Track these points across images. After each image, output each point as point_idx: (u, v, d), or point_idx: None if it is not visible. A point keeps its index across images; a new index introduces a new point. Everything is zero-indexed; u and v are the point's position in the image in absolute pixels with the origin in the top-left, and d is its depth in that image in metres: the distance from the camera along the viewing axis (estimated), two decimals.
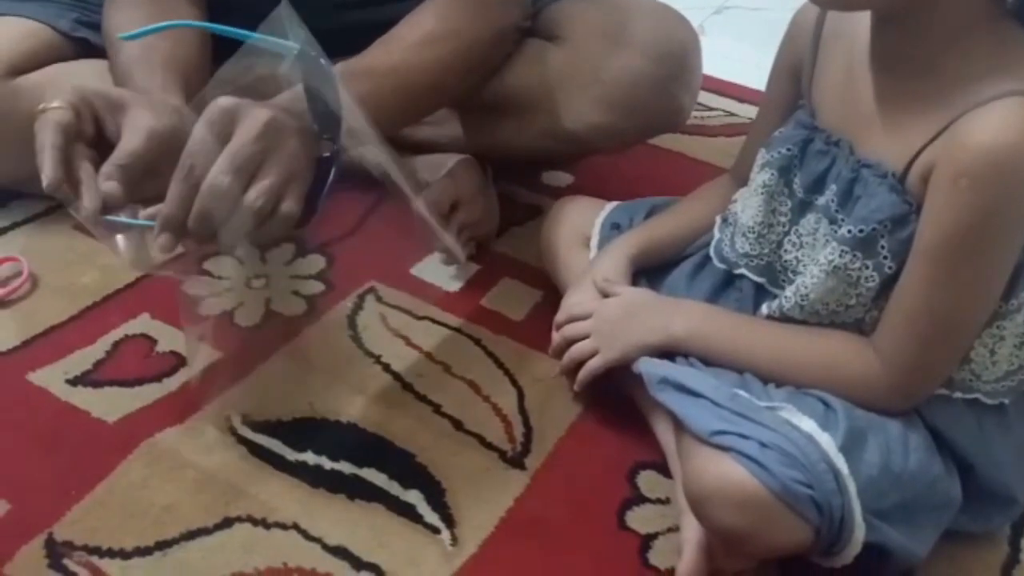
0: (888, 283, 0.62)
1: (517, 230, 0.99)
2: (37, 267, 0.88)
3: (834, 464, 0.58)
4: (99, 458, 0.70)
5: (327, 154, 0.64)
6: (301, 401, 0.76)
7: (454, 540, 0.66)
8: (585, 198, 0.90)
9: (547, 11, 0.95)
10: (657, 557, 0.67)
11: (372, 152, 0.69)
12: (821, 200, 0.66)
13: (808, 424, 0.60)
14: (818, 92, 0.68)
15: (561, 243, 0.86)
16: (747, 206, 0.71)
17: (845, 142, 0.64)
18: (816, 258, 0.65)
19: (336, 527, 0.66)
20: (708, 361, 0.69)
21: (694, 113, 0.97)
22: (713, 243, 0.75)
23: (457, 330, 0.85)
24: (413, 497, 0.69)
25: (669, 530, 0.68)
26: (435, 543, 0.66)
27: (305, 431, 0.74)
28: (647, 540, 0.68)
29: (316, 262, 0.92)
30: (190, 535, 0.65)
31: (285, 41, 0.62)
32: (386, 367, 0.80)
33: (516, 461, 0.73)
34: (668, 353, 0.71)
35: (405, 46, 0.78)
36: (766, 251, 0.70)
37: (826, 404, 0.62)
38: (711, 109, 1.25)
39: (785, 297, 0.67)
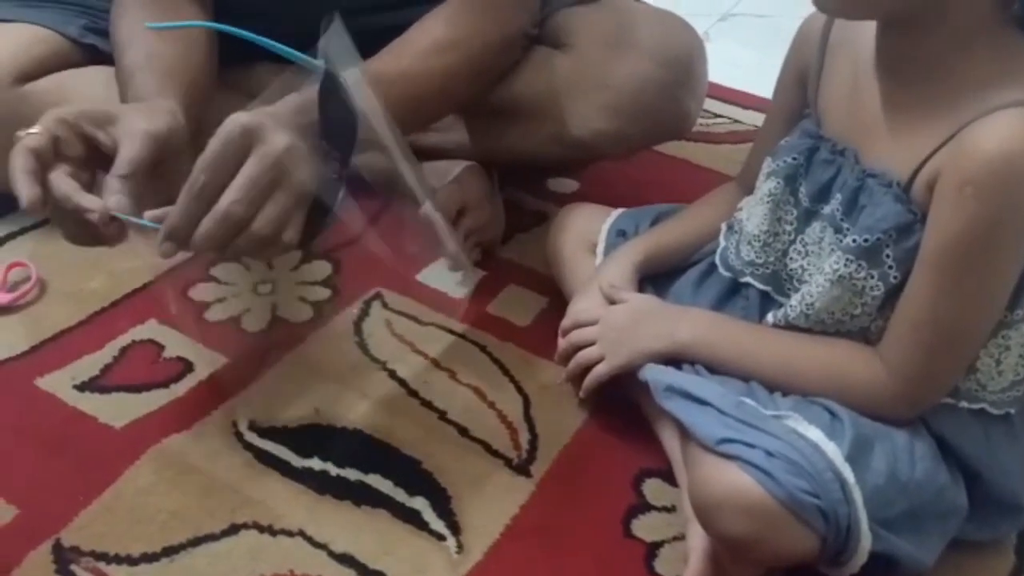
0: (893, 292, 0.62)
1: (523, 236, 0.99)
2: (45, 272, 0.88)
3: (840, 473, 0.58)
4: (106, 464, 0.70)
5: (335, 176, 0.64)
6: (307, 407, 0.76)
7: (460, 547, 0.66)
8: (591, 205, 0.90)
9: (554, 18, 0.95)
10: (663, 565, 0.67)
11: (381, 157, 0.69)
12: (826, 209, 0.66)
13: (814, 433, 0.60)
14: (824, 101, 0.68)
15: (567, 250, 0.87)
16: (753, 214, 0.71)
17: (851, 151, 0.64)
18: (821, 267, 0.65)
19: (342, 534, 0.67)
20: (714, 369, 0.69)
21: (699, 120, 0.98)
22: (719, 251, 0.75)
23: (463, 336, 0.85)
24: (419, 504, 0.69)
25: (675, 538, 0.68)
26: (441, 550, 0.66)
27: (311, 437, 0.74)
28: (653, 548, 0.68)
29: (322, 268, 0.92)
30: (197, 541, 0.65)
31: (309, 57, 0.63)
32: (392, 373, 0.81)
33: (522, 468, 0.73)
34: (674, 360, 0.71)
35: (414, 52, 0.79)
36: (771, 259, 0.70)
37: (832, 413, 0.62)
38: (716, 116, 1.25)
39: (791, 306, 0.67)
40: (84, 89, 0.89)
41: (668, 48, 0.89)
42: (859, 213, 0.63)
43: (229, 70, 0.93)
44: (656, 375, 0.69)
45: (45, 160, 0.62)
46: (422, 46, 0.79)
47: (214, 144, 0.61)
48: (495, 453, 0.74)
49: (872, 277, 0.62)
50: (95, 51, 0.94)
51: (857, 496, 0.58)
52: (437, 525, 0.68)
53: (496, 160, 0.98)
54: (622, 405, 0.76)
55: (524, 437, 0.76)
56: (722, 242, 0.76)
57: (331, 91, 0.64)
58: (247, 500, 0.68)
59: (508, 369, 0.82)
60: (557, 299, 0.87)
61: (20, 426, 0.74)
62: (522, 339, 0.85)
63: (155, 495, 0.68)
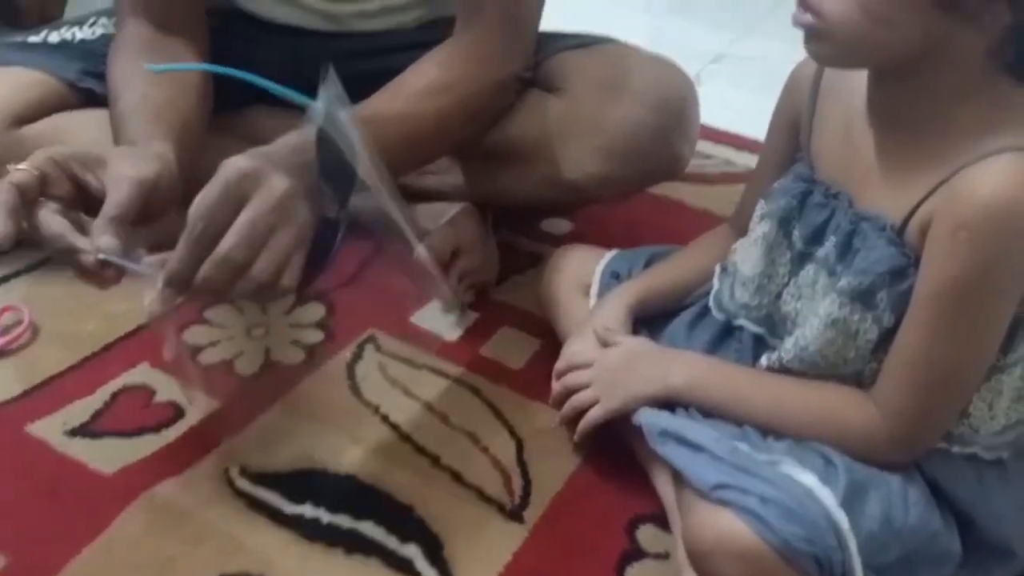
0: (887, 336, 0.62)
1: (517, 278, 0.99)
2: (38, 315, 0.88)
3: (834, 519, 0.58)
4: (98, 511, 0.69)
5: (332, 215, 0.65)
6: (300, 452, 0.76)
7: None
8: (585, 246, 0.90)
9: (548, 62, 0.96)
10: None
11: (372, 199, 0.70)
12: (820, 252, 0.66)
13: (808, 478, 0.60)
14: (817, 145, 0.69)
15: (561, 292, 0.87)
16: (747, 257, 0.71)
17: (844, 195, 0.65)
18: (815, 310, 0.65)
19: None
20: (708, 412, 0.69)
21: (693, 161, 0.98)
22: (713, 293, 0.75)
23: (456, 380, 0.85)
24: (411, 551, 0.68)
25: None
26: None
27: (303, 482, 0.73)
28: None
29: (316, 310, 0.92)
30: None
31: (308, 99, 0.63)
32: (385, 418, 0.80)
33: (515, 514, 0.72)
34: (668, 404, 0.70)
35: (409, 94, 0.80)
36: (765, 302, 0.70)
37: (826, 458, 0.62)
38: (709, 157, 1.26)
39: (785, 349, 0.67)
40: (80, 132, 0.90)
41: (661, 93, 0.90)
42: (853, 256, 0.63)
43: (223, 114, 0.94)
44: (650, 419, 0.69)
45: (30, 196, 0.63)
46: (416, 88, 0.80)
47: (212, 188, 0.61)
48: (488, 499, 0.73)
49: (866, 320, 0.62)
50: (91, 95, 0.95)
51: (851, 543, 0.58)
52: (429, 573, 0.67)
53: (491, 202, 0.98)
54: (616, 449, 0.76)
55: (517, 483, 0.75)
56: (716, 284, 0.76)
57: (328, 133, 0.65)
58: (239, 548, 0.67)
59: (502, 413, 0.82)
60: (551, 341, 0.86)
61: (11, 473, 0.73)
62: (516, 382, 0.85)
63: (146, 543, 0.67)
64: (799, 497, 0.58)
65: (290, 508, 0.71)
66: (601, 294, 0.83)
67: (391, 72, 0.82)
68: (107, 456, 0.74)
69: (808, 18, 0.56)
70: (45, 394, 0.80)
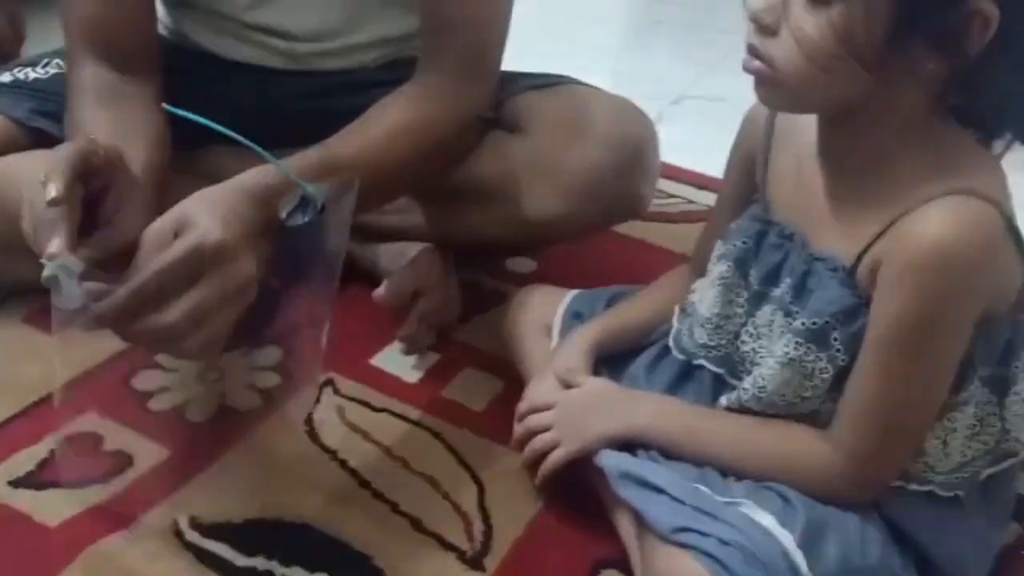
0: (842, 375, 0.63)
1: (480, 318, 0.99)
2: None
3: (793, 561, 0.58)
4: (40, 567, 0.67)
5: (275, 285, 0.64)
6: (253, 501, 0.73)
7: None
8: (547, 286, 0.90)
9: (510, 103, 0.97)
10: None
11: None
12: (776, 292, 0.66)
13: (767, 520, 0.60)
14: (771, 187, 0.69)
15: (523, 332, 0.86)
16: (705, 297, 0.72)
17: (798, 236, 0.66)
18: (773, 350, 0.65)
19: None
20: (669, 453, 0.68)
21: (655, 200, 0.99)
22: (672, 333, 0.75)
23: (417, 423, 0.84)
24: None
25: None
26: None
27: (257, 534, 0.71)
28: None
29: (273, 354, 0.90)
30: None
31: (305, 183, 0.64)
32: (343, 463, 0.78)
33: (475, 562, 0.71)
34: (630, 445, 0.70)
35: (374, 136, 0.79)
36: (724, 342, 0.70)
37: (785, 498, 0.62)
38: (671, 196, 1.27)
39: (743, 388, 0.67)
40: (30, 172, 0.88)
41: (621, 133, 0.91)
42: (807, 297, 0.64)
43: (182, 153, 0.93)
44: (611, 461, 0.68)
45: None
46: (382, 130, 0.80)
47: (180, 247, 0.59)
48: (448, 546, 0.72)
49: (821, 360, 0.63)
50: (42, 134, 0.93)
51: None
52: None
53: (453, 241, 0.98)
54: (579, 491, 0.75)
55: (478, 528, 0.73)
56: (675, 324, 0.76)
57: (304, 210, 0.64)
58: None
59: (463, 457, 0.80)
60: (514, 382, 0.85)
61: None
62: (478, 425, 0.84)
63: None
64: (758, 539, 0.58)
65: (242, 561, 0.69)
66: (563, 334, 0.83)
67: (352, 111, 0.82)
68: (52, 508, 0.72)
69: (757, 64, 0.58)
70: None
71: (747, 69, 0.58)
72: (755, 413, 0.67)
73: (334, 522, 0.72)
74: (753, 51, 0.58)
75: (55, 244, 0.58)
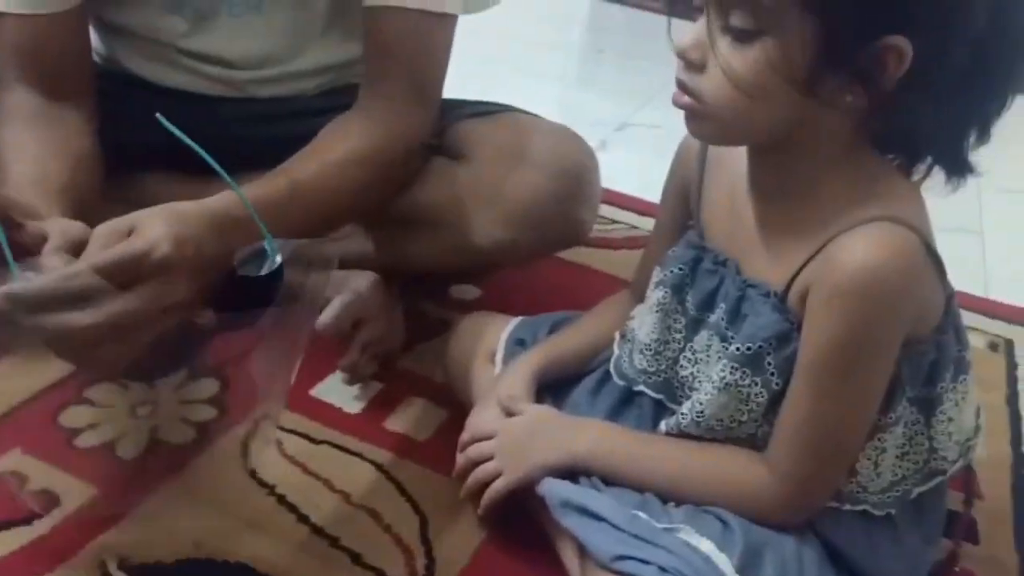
0: (776, 399, 0.64)
1: (424, 346, 0.98)
2: None
3: None
4: None
5: (203, 322, 0.63)
6: (187, 540, 0.71)
7: None
8: (489, 314, 0.90)
9: (451, 130, 0.97)
10: None
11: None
12: (712, 318, 0.67)
13: (706, 545, 0.60)
14: (705, 214, 0.71)
15: (466, 360, 0.86)
16: (643, 323, 0.72)
17: (732, 262, 0.67)
18: (710, 375, 0.66)
19: None
20: (610, 479, 0.68)
21: (598, 226, 1.00)
22: (613, 360, 0.76)
23: (358, 455, 0.82)
24: None
25: None
26: None
27: (189, 574, 0.68)
28: None
29: (209, 386, 0.88)
30: None
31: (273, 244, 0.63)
32: (281, 498, 0.76)
33: None
34: (572, 472, 0.70)
35: (330, 160, 0.79)
36: (663, 367, 0.71)
37: (724, 522, 0.63)
38: (614, 222, 1.29)
39: (682, 414, 0.68)
40: None
41: (561, 161, 0.92)
42: (742, 322, 0.65)
43: (118, 180, 0.91)
44: (553, 490, 0.68)
45: None
46: (334, 159, 0.80)
47: (132, 246, 0.58)
48: None
49: (756, 384, 0.63)
50: None
51: None
52: None
53: (397, 269, 0.97)
54: (523, 520, 0.74)
55: (420, 562, 0.72)
56: (616, 351, 0.76)
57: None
58: None
59: (405, 488, 0.79)
60: (459, 411, 0.85)
61: None
62: (421, 455, 0.83)
63: None
64: (697, 565, 0.58)
65: None
66: (506, 361, 0.83)
67: (292, 138, 0.82)
68: None
69: (686, 99, 0.59)
70: None
71: (677, 104, 0.60)
72: (695, 438, 0.67)
73: (271, 560, 0.70)
74: (682, 86, 0.59)
75: None
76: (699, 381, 0.67)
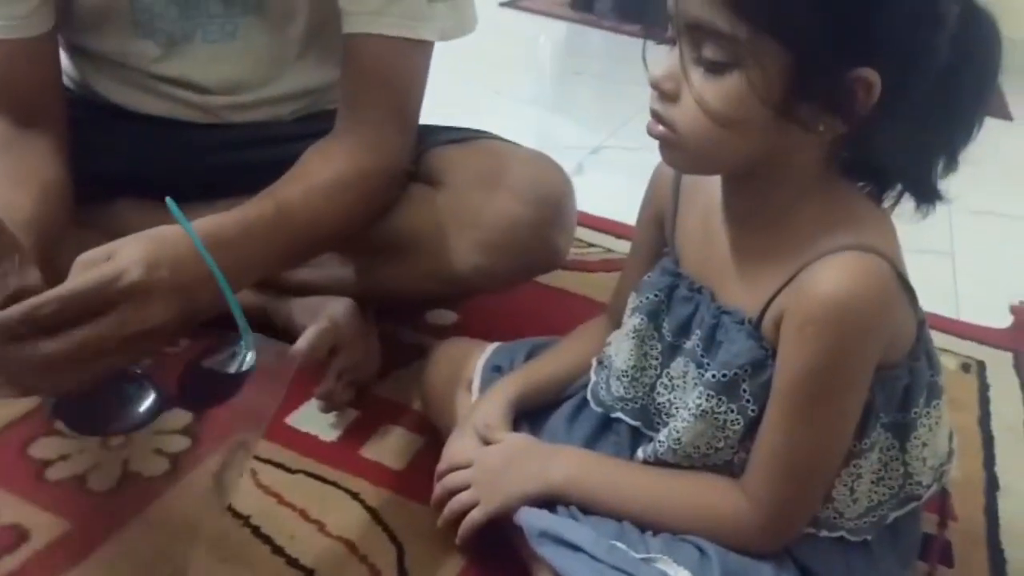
0: (752, 425, 0.64)
1: (400, 372, 0.97)
2: None
3: None
4: None
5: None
6: (159, 574, 0.70)
7: None
8: (466, 340, 0.90)
9: (428, 155, 0.97)
10: None
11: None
12: (688, 344, 0.68)
13: (684, 575, 0.60)
14: (680, 241, 0.71)
15: (443, 387, 0.85)
16: (620, 350, 0.72)
17: (707, 289, 0.67)
18: (687, 401, 0.66)
19: None
20: (588, 508, 0.68)
21: (574, 249, 1.00)
22: (590, 386, 0.76)
23: (334, 484, 0.81)
24: None
25: None
26: None
27: None
28: None
29: (181, 416, 0.87)
30: None
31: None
32: (255, 529, 0.75)
33: None
34: (550, 500, 0.69)
35: (317, 184, 0.79)
36: (640, 394, 0.71)
37: (701, 550, 0.63)
38: (591, 245, 1.29)
39: (659, 441, 0.68)
40: None
41: (537, 188, 0.92)
42: (717, 349, 0.65)
43: (89, 206, 0.90)
44: (530, 519, 0.67)
45: None
46: (323, 179, 0.80)
47: (101, 275, 0.57)
48: None
49: (732, 411, 0.64)
50: None
51: None
52: None
53: (373, 295, 0.97)
54: (501, 549, 0.74)
55: None
56: (593, 377, 0.76)
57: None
58: None
59: (382, 517, 0.78)
60: (435, 438, 0.84)
61: None
62: (398, 483, 0.82)
63: None
64: None
65: None
66: (483, 388, 0.82)
67: (268, 164, 0.81)
68: None
69: (661, 129, 0.60)
70: None
71: (651, 134, 0.60)
72: (672, 465, 0.67)
73: None
74: (656, 116, 0.60)
75: None
76: (676, 408, 0.68)
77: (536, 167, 0.95)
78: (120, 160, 0.96)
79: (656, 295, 0.70)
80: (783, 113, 0.56)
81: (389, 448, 0.87)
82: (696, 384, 0.65)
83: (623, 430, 0.72)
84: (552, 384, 0.80)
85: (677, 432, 0.66)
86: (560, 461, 0.70)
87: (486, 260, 0.90)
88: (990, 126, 0.62)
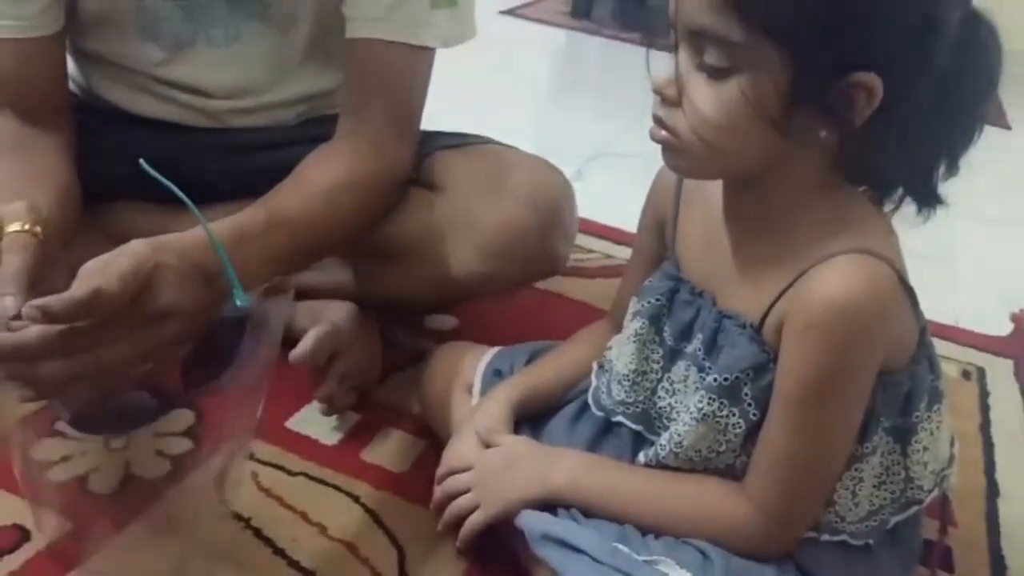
0: (754, 429, 0.64)
1: (400, 376, 0.97)
2: None
3: None
4: None
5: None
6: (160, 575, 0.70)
7: None
8: (467, 344, 0.90)
9: (427, 162, 0.97)
10: None
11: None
12: (689, 348, 0.68)
13: None
14: (681, 246, 0.71)
15: (443, 391, 0.85)
16: (621, 354, 0.73)
17: (708, 293, 0.67)
18: (688, 405, 0.66)
19: None
20: (589, 511, 0.68)
21: (574, 255, 1.01)
22: (591, 390, 0.76)
23: (335, 487, 0.81)
24: None
25: None
26: None
27: None
28: None
29: (184, 417, 0.86)
30: None
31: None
32: (257, 532, 0.75)
33: None
34: (551, 504, 0.69)
35: (317, 190, 0.79)
36: (641, 398, 0.71)
37: (703, 553, 0.63)
38: (590, 251, 1.30)
39: (660, 444, 0.68)
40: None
41: (538, 193, 0.92)
42: (719, 353, 0.65)
43: (92, 209, 0.90)
44: (532, 522, 0.67)
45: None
46: (324, 184, 0.80)
47: (127, 281, 0.58)
48: None
49: (733, 415, 0.64)
50: None
51: None
52: None
53: (374, 299, 0.97)
54: (502, 552, 0.74)
55: None
56: (594, 381, 0.76)
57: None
58: None
59: (383, 520, 0.78)
60: (436, 442, 0.85)
61: None
62: (399, 487, 0.82)
63: None
64: None
65: None
66: (484, 392, 0.83)
67: (271, 168, 0.82)
68: None
69: (663, 134, 0.60)
70: None
71: (654, 139, 0.61)
72: (673, 469, 0.67)
73: None
74: (659, 121, 0.60)
75: None
76: (677, 412, 0.68)
77: (536, 172, 0.95)
78: (123, 163, 0.96)
79: (657, 299, 0.70)
80: (784, 118, 0.56)
81: (390, 451, 0.87)
82: (697, 388, 0.66)
83: (624, 434, 0.72)
84: (553, 388, 0.80)
85: (678, 436, 0.66)
86: (561, 464, 0.70)
87: (486, 265, 0.90)
88: (989, 134, 0.62)
